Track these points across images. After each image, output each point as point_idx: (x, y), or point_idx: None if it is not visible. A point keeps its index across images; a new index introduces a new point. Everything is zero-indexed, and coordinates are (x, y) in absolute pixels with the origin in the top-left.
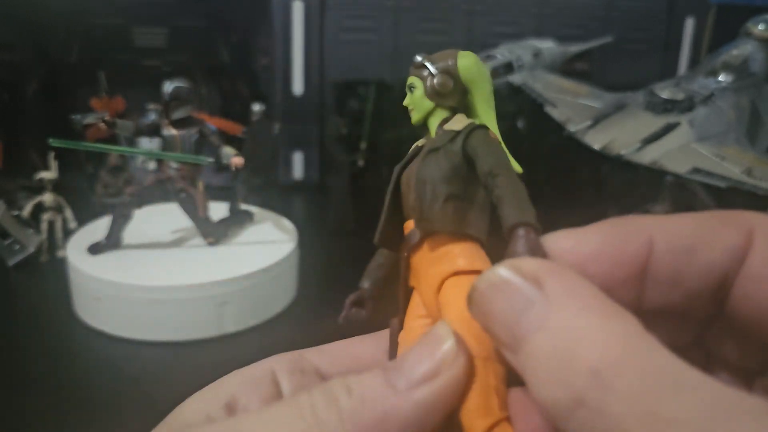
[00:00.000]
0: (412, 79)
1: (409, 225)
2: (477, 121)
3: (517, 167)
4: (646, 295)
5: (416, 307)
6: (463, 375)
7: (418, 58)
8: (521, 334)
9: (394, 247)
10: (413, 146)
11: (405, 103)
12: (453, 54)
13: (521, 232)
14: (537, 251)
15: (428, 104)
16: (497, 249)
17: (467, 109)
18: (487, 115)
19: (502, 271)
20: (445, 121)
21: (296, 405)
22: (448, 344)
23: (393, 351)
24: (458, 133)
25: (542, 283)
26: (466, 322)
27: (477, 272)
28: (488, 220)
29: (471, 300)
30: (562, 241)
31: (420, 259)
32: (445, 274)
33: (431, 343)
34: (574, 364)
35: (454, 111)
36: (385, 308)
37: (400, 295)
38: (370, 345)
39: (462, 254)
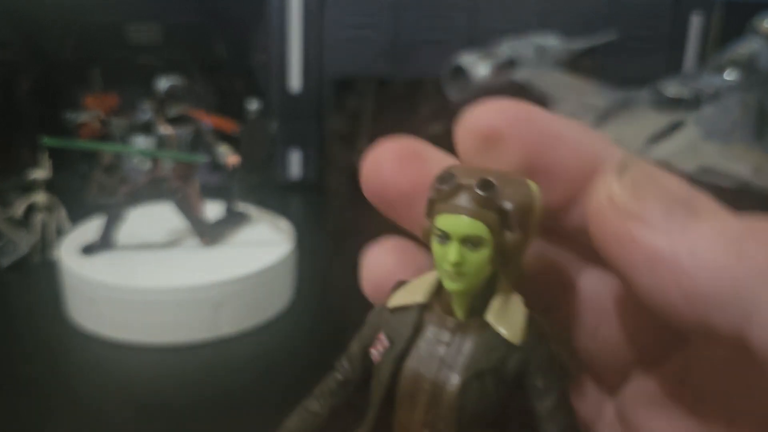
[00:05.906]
0: (475, 227)
1: None
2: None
3: None
4: None
5: None
6: None
7: (482, 191)
8: None
9: None
10: (388, 310)
11: (453, 260)
12: (527, 191)
13: None
14: None
15: (488, 271)
16: None
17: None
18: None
19: None
20: (483, 295)
21: None
22: None
23: None
24: (515, 349)
25: None
26: None
27: None
28: None
29: None
30: None
31: None
32: None
33: None
34: None
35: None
36: None
37: None
38: None
39: None
